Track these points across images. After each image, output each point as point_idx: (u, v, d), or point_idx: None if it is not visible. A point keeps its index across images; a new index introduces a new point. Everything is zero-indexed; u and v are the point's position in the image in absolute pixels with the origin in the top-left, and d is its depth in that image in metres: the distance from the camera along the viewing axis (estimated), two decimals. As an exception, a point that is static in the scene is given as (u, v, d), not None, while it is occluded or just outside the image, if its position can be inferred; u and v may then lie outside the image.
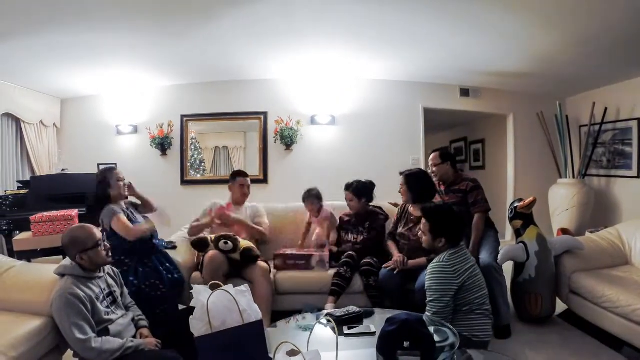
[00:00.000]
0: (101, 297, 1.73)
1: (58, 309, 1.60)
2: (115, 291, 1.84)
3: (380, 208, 3.01)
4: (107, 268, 1.88)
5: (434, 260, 1.93)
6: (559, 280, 2.59)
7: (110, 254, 1.82)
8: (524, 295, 2.59)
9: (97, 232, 1.81)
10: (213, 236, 2.58)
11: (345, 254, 2.69)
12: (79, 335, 1.54)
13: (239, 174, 3.03)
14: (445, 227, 1.93)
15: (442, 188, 2.82)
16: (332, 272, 2.62)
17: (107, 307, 1.74)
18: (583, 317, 2.44)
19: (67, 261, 1.75)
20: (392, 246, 2.69)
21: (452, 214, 1.98)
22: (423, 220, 2.01)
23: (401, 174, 2.70)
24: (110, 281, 1.85)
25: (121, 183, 2.41)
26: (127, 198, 2.50)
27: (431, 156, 2.83)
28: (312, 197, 2.96)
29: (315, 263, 2.73)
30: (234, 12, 2.77)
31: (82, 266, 1.72)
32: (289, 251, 2.82)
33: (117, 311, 1.79)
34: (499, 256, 2.46)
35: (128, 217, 2.36)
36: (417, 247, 2.46)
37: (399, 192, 2.70)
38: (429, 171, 2.82)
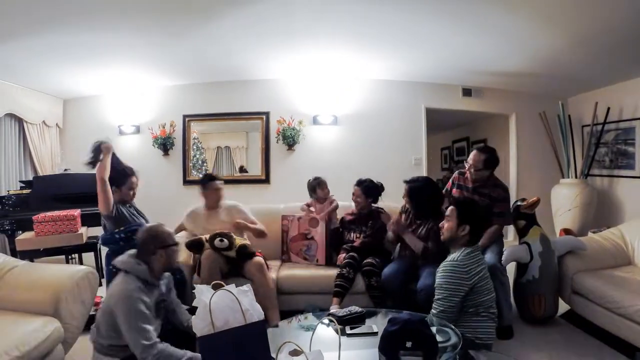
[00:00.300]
0: (153, 307, 1.72)
1: (125, 310, 1.59)
2: (165, 300, 1.83)
3: (382, 209, 3.01)
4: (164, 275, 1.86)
5: (448, 258, 1.90)
6: (562, 281, 2.58)
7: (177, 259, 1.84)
8: (527, 296, 2.58)
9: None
10: (207, 236, 2.59)
11: (347, 254, 2.69)
12: (144, 341, 1.55)
13: (211, 179, 2.92)
14: (472, 215, 1.90)
15: (469, 185, 2.63)
16: (334, 272, 2.62)
17: (154, 316, 1.72)
18: (586, 317, 2.43)
19: (132, 259, 1.73)
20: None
21: (479, 206, 2.06)
22: (450, 208, 1.97)
23: (405, 182, 2.62)
24: (163, 289, 1.84)
25: (131, 192, 2.53)
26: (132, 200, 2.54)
27: (474, 156, 2.55)
28: (324, 183, 3.06)
29: (322, 218, 2.86)
30: (235, 12, 2.77)
31: (152, 268, 1.72)
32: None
33: (156, 321, 1.75)
34: (503, 257, 2.45)
35: (128, 215, 2.38)
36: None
37: (403, 197, 2.65)
38: (467, 165, 2.60)
